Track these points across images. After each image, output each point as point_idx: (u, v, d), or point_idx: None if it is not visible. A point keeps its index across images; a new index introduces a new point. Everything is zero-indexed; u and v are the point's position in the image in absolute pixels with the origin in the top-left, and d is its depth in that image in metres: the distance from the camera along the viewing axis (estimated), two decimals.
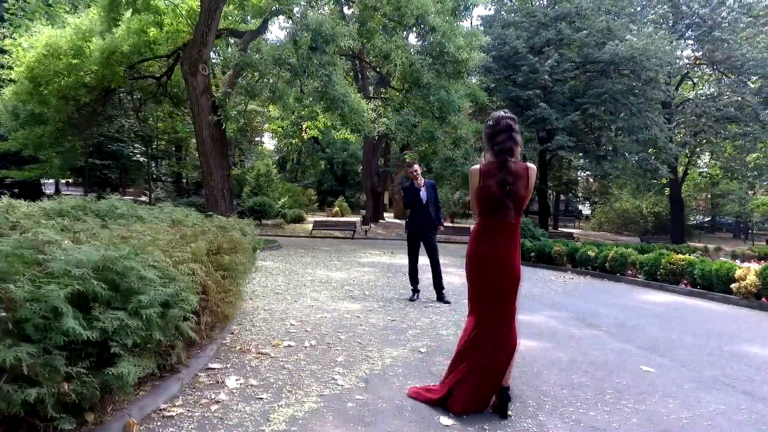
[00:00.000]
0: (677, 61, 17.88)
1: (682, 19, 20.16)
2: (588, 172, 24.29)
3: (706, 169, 29.06)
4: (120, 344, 2.21)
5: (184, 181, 32.36)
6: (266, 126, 32.61)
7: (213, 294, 3.50)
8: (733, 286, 7.57)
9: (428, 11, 13.39)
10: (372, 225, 23.54)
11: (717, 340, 5.09)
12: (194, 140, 25.95)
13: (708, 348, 4.75)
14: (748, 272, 7.49)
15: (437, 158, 14.02)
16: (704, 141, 22.24)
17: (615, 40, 17.33)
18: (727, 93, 21.17)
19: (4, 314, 1.85)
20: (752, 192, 31.86)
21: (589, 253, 10.52)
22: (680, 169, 24.67)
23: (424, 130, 13.24)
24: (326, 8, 12.25)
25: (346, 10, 13.12)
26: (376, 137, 17.07)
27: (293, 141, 28.62)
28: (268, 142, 45.47)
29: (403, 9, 12.73)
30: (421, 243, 6.55)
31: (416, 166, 6.42)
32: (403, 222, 28.18)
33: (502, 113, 2.96)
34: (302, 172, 46.39)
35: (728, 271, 7.75)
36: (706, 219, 43.80)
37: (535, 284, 8.84)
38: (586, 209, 49.71)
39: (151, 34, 15.04)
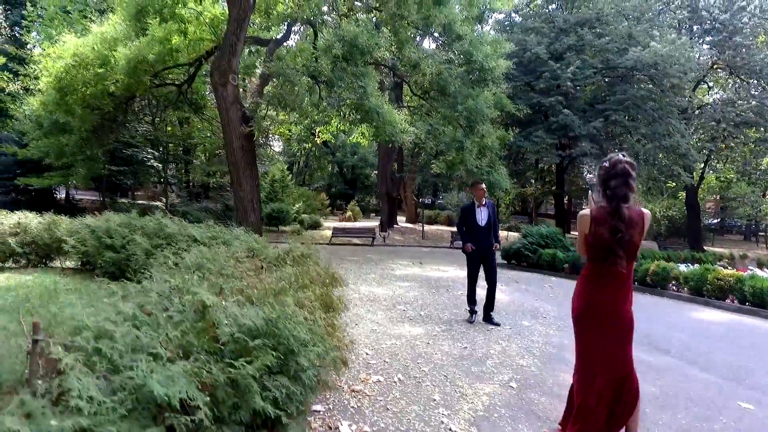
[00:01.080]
0: (698, 66, 17.72)
1: (701, 24, 20.08)
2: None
3: (721, 174, 28.87)
4: (286, 413, 2.13)
5: (191, 184, 32.26)
6: (273, 129, 32.57)
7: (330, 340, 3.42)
8: None
9: (455, 19, 13.33)
10: (389, 231, 23.45)
11: None
12: (205, 145, 26.01)
13: None
14: None
15: (463, 167, 13.90)
16: (723, 147, 22.15)
17: (638, 47, 17.24)
18: (746, 98, 21.07)
19: (204, 408, 1.75)
20: (764, 195, 31.76)
21: None
22: (696, 174, 24.60)
23: (453, 139, 13.15)
24: (360, 16, 12.05)
25: (364, 16, 12.96)
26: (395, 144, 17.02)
27: (306, 145, 28.55)
28: (275, 145, 45.45)
29: (432, 18, 12.66)
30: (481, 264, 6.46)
31: (483, 186, 6.34)
32: (419, 226, 28.18)
33: (619, 156, 2.85)
34: (310, 175, 46.35)
35: None
36: (715, 221, 43.79)
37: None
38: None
39: (174, 42, 14.98)
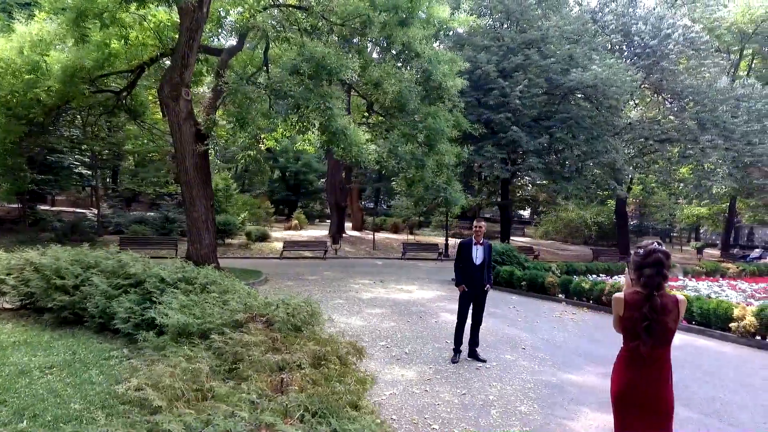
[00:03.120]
0: (633, 88, 19.10)
1: (632, 48, 21.67)
2: (548, 190, 25.34)
3: (645, 184, 31.32)
4: None
5: (119, 192, 30.09)
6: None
7: None
8: (732, 325, 8.19)
9: (415, 37, 13.40)
10: (340, 243, 23.18)
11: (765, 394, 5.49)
12: (137, 155, 24.34)
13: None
14: (745, 312, 8.13)
15: (422, 185, 14.02)
16: (651, 161, 24.02)
17: (578, 68, 18.25)
18: (669, 117, 22.99)
19: None
20: (680, 202, 34.97)
21: (583, 285, 10.98)
22: (625, 185, 26.47)
23: (414, 157, 13.22)
24: (324, 36, 11.75)
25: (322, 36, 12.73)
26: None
27: (251, 153, 27.56)
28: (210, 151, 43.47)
29: (393, 36, 12.64)
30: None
31: (483, 225, 6.38)
32: (366, 235, 28.08)
33: (654, 245, 2.91)
34: (250, 179, 44.82)
35: (726, 310, 8.38)
36: (632, 223, 47.70)
37: (551, 323, 9.09)
38: (525, 213, 52.29)
39: (114, 48, 13.88)
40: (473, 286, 6.31)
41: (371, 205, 45.95)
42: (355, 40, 13.75)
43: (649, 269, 2.81)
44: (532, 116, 18.83)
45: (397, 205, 31.75)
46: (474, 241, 6.33)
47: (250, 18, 13.26)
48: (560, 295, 11.61)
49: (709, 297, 10.06)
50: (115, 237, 20.08)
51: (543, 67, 18.48)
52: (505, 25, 20.45)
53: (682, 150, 22.47)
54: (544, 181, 21.56)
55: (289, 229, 30.59)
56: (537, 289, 12.01)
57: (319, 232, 29.75)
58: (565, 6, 21.51)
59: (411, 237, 30.39)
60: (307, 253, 20.59)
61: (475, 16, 17.77)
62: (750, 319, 7.97)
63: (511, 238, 35.40)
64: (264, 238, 22.92)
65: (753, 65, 28.67)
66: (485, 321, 8.79)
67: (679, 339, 8.29)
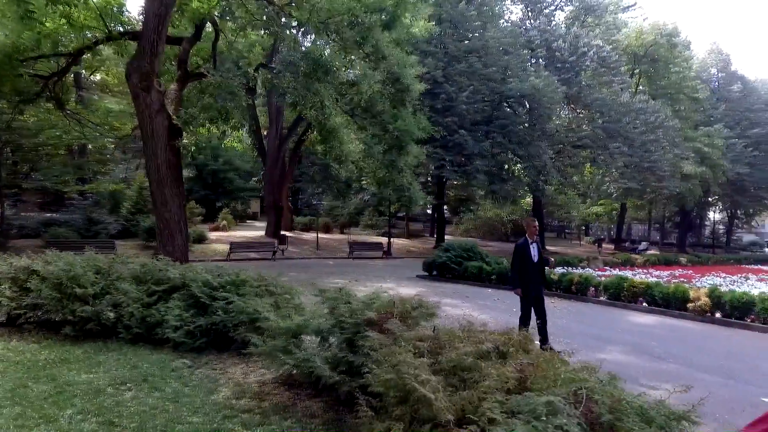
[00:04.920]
0: (561, 99, 21.21)
1: (554, 63, 23.99)
2: (472, 190, 27.00)
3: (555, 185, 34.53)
4: None
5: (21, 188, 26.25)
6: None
7: None
8: (690, 305, 9.68)
9: (383, 40, 13.68)
10: (286, 244, 22.61)
11: (738, 358, 6.69)
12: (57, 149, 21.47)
13: (749, 367, 6.22)
14: (699, 294, 9.67)
15: (393, 185, 14.38)
16: (568, 165, 26.77)
17: (515, 78, 19.84)
18: (582, 126, 25.83)
19: None
20: (582, 202, 39.22)
21: (552, 276, 12.10)
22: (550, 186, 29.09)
23: (386, 158, 13.53)
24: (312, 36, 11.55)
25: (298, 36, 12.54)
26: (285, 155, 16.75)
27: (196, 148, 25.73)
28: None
29: (368, 39, 12.81)
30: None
31: (536, 223, 6.76)
32: (300, 235, 27.62)
33: None
34: None
35: (683, 293, 9.86)
36: None
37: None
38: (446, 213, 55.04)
39: (46, 27, 12.32)
40: (533, 281, 6.49)
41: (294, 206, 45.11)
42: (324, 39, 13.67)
43: None
44: (476, 121, 20.07)
45: (334, 205, 31.74)
46: (530, 240, 6.67)
47: (210, 8, 12.63)
48: None
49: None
50: (28, 242, 17.67)
51: (485, 76, 19.80)
52: (449, 33, 21.53)
53: (594, 155, 25.37)
54: (478, 183, 22.97)
55: (216, 230, 29.00)
56: (507, 281, 12.93)
57: (251, 233, 28.63)
58: (499, 18, 23.18)
59: (347, 236, 30.44)
60: (255, 255, 19.83)
61: (428, 22, 18.50)
62: (704, 300, 9.48)
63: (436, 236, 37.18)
64: (201, 239, 21.59)
65: (640, 84, 33.15)
66: (485, 313, 9.39)
67: (652, 319, 9.62)
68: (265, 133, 26.36)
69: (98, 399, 4.36)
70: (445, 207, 45.66)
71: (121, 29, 14.00)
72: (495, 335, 3.75)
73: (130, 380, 4.83)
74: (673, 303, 10.00)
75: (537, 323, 6.56)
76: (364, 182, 19.63)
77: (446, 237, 37.60)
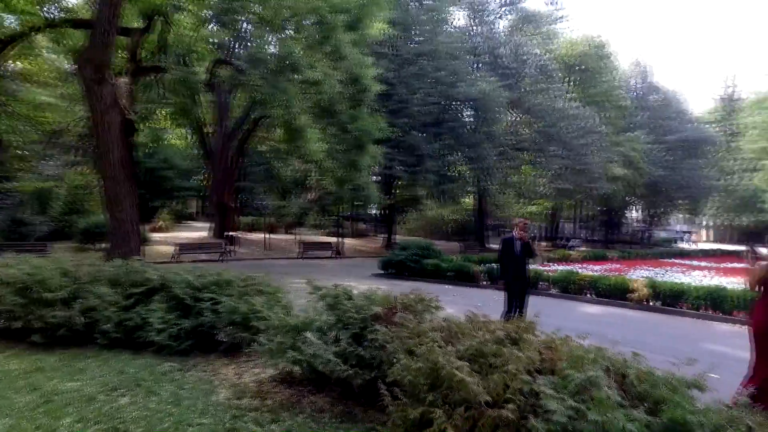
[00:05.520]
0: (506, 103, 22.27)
1: (498, 69, 25.12)
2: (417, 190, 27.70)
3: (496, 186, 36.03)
4: None
5: None
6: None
7: None
8: (630, 295, 10.62)
9: (343, 40, 13.80)
10: (235, 245, 21.98)
11: (681, 340, 7.52)
12: None
13: (691, 348, 7.03)
14: (638, 284, 10.64)
15: (352, 184, 14.52)
16: (509, 166, 28.08)
17: (463, 82, 20.61)
18: (523, 129, 27.25)
19: None
20: (518, 201, 41.24)
21: None
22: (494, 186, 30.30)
23: (347, 158, 13.65)
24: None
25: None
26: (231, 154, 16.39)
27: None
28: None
29: (330, 39, 12.88)
30: None
31: (526, 224, 7.21)
32: (245, 236, 26.86)
33: None
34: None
35: (625, 284, 10.80)
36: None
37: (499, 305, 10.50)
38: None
39: None
40: (516, 274, 7.10)
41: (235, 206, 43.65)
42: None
43: None
44: (427, 122, 20.62)
45: (279, 205, 31.14)
46: (516, 237, 7.08)
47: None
48: (484, 282, 13.26)
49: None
50: None
51: (435, 79, 20.39)
52: (401, 36, 21.93)
53: (533, 157, 26.84)
54: (428, 182, 23.60)
55: (156, 231, 27.59)
56: (465, 277, 13.49)
57: (194, 233, 27.57)
58: (446, 24, 23.92)
59: (295, 236, 30.02)
60: (203, 256, 19.14)
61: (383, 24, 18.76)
62: (644, 290, 10.45)
63: (382, 236, 37.58)
64: (144, 241, 20.46)
65: (573, 92, 35.41)
66: (451, 308, 9.78)
67: (599, 308, 10.46)
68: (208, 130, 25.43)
69: (93, 406, 4.19)
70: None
71: (60, 15, 13.11)
72: (501, 324, 4.04)
73: (121, 386, 4.66)
74: (615, 294, 10.91)
75: (514, 315, 7.03)
76: (310, 182, 19.57)
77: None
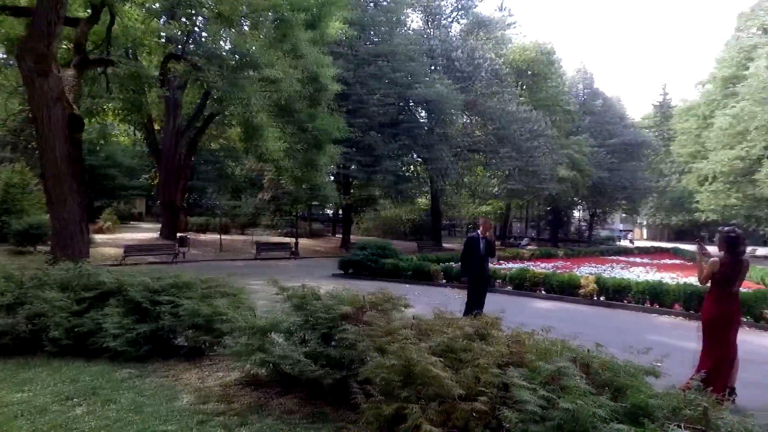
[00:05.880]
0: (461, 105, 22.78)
1: (454, 72, 25.64)
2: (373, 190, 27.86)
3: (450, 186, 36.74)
4: None
5: None
6: None
7: None
8: (580, 291, 11.16)
9: (302, 39, 13.68)
10: (187, 246, 21.20)
11: (627, 332, 8.00)
12: None
13: (637, 339, 7.51)
14: (588, 281, 11.20)
15: (308, 184, 14.41)
16: (463, 167, 28.74)
17: (420, 84, 20.91)
18: (477, 132, 27.97)
19: None
20: (471, 201, 42.29)
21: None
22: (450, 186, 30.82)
23: (305, 157, 13.56)
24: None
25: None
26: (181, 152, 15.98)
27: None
28: None
29: (289, 36, 12.74)
30: None
31: (490, 223, 7.37)
32: (195, 236, 26.02)
33: (740, 232, 4.82)
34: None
35: (575, 281, 11.34)
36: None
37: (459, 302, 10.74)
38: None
39: None
40: (478, 272, 7.26)
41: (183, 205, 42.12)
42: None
43: (740, 247, 4.66)
44: (384, 123, 20.76)
45: (232, 204, 30.41)
46: (481, 236, 7.24)
47: None
48: (443, 280, 13.52)
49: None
50: None
51: (392, 80, 20.57)
52: (359, 36, 21.93)
53: (486, 159, 27.60)
54: (386, 182, 23.77)
55: (99, 232, 26.14)
56: (423, 276, 13.70)
57: (141, 235, 26.33)
58: (403, 25, 24.18)
59: (249, 237, 29.34)
60: (152, 258, 18.37)
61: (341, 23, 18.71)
62: (592, 286, 11.02)
63: (338, 236, 37.46)
64: (88, 242, 19.36)
65: (523, 96, 36.70)
66: (414, 306, 9.92)
67: (551, 304, 10.93)
68: (157, 126, 24.45)
69: (46, 417, 3.97)
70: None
71: None
72: (469, 321, 4.17)
73: (76, 395, 4.43)
74: (566, 290, 11.43)
75: (474, 313, 7.22)
76: (265, 181, 19.25)
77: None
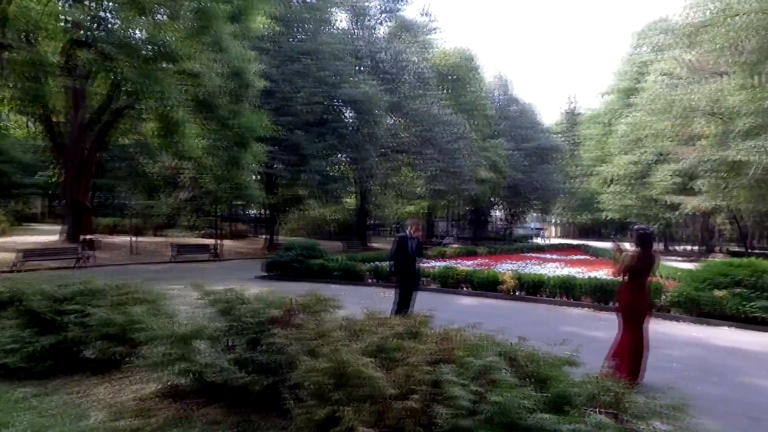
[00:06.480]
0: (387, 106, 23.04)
1: (379, 74, 25.87)
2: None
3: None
4: None
5: None
6: None
7: None
8: (500, 287, 11.74)
9: (224, 32, 13.14)
10: (94, 249, 19.45)
11: (544, 324, 8.56)
12: None
13: (553, 331, 8.06)
14: (507, 277, 11.81)
15: (231, 183, 13.88)
16: (389, 168, 29.10)
17: (347, 84, 20.89)
18: (402, 133, 28.47)
19: None
20: (397, 202, 42.97)
21: (387, 269, 13.25)
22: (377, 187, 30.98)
23: (230, 156, 13.06)
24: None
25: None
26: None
27: None
28: None
29: (210, 29, 12.18)
30: None
31: (420, 224, 7.41)
32: (102, 238, 24.09)
33: (650, 229, 5.47)
34: None
35: (495, 277, 11.91)
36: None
37: (389, 302, 10.86)
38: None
39: None
40: (408, 271, 7.33)
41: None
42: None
43: (648, 241, 5.16)
44: (310, 122, 20.47)
45: (146, 204, 28.38)
46: (410, 236, 7.33)
47: None
48: (370, 280, 13.60)
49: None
50: None
51: (318, 78, 20.34)
52: (284, 32, 21.40)
53: (411, 159, 28.19)
54: (313, 182, 23.46)
55: None
56: (351, 276, 13.68)
57: (39, 237, 23.83)
58: (328, 24, 24.00)
59: (166, 239, 27.60)
60: (54, 263, 16.67)
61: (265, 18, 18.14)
62: (511, 282, 11.63)
63: (263, 236, 36.36)
64: None
65: (446, 99, 37.92)
66: (347, 307, 9.92)
67: (474, 300, 11.38)
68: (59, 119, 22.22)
69: None
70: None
71: None
72: (399, 320, 4.22)
73: None
74: (488, 286, 11.97)
75: (403, 312, 7.33)
76: (183, 179, 18.26)
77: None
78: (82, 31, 11.82)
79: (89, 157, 21.21)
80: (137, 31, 9.40)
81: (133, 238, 24.01)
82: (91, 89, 20.05)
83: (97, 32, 11.64)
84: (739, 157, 17.39)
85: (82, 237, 20.00)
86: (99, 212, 34.18)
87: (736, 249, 33.34)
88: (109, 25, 11.98)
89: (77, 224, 21.60)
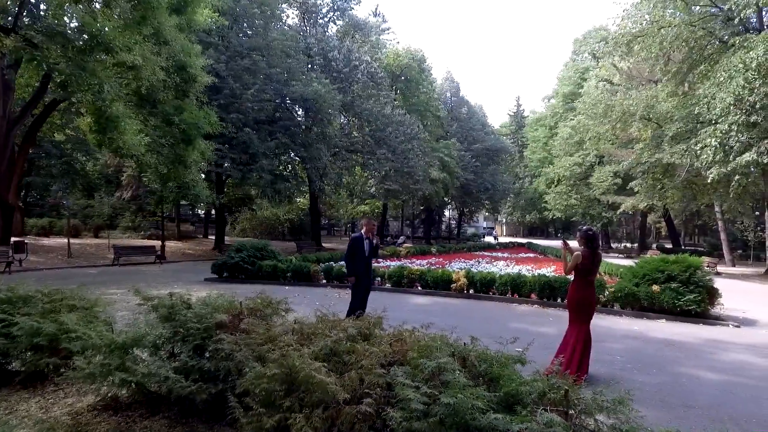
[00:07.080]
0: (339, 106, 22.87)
1: (331, 72, 25.65)
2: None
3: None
4: None
5: None
6: None
7: None
8: (453, 285, 11.92)
9: (166, 23, 12.57)
10: (25, 253, 18.05)
11: (494, 322, 8.78)
12: None
13: (503, 327, 8.27)
14: (459, 276, 12.00)
15: (177, 182, 13.31)
16: (342, 167, 28.94)
17: (298, 82, 20.55)
18: (354, 132, 28.37)
19: None
20: (350, 201, 42.88)
21: (343, 270, 13.14)
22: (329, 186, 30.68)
23: (174, 153, 12.52)
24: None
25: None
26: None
27: None
28: None
29: (149, 20, 11.60)
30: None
31: (375, 223, 7.29)
32: (35, 240, 22.49)
33: (595, 230, 5.67)
34: None
35: (448, 276, 12.08)
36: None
37: (345, 302, 10.75)
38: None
39: None
40: (364, 271, 7.21)
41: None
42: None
43: (595, 242, 5.40)
44: (260, 120, 19.96)
45: (84, 204, 26.74)
46: (365, 236, 7.22)
47: None
48: (323, 281, 13.45)
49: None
50: None
51: (269, 75, 19.87)
52: (231, 27, 20.73)
53: (364, 159, 28.16)
54: (263, 182, 22.93)
55: None
56: (303, 277, 13.46)
57: None
58: (279, 20, 23.51)
59: (106, 241, 26.07)
60: None
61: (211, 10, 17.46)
62: (463, 280, 11.83)
63: (211, 237, 35.18)
64: None
65: (397, 100, 38.20)
66: (299, 309, 9.75)
67: (427, 299, 11.48)
68: None
69: None
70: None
71: None
72: (352, 321, 4.16)
73: None
74: (441, 285, 12.12)
75: (357, 313, 7.25)
76: (124, 178, 17.26)
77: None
78: (4, 16, 10.88)
79: (19, 153, 19.75)
80: (68, 20, 8.75)
81: (70, 240, 22.56)
82: (21, 80, 18.68)
83: (22, 18, 10.74)
84: (672, 159, 18.56)
85: (11, 239, 18.57)
86: (31, 213, 31.93)
87: (668, 246, 35.71)
88: (37, 12, 11.11)
89: (6, 225, 20.04)
